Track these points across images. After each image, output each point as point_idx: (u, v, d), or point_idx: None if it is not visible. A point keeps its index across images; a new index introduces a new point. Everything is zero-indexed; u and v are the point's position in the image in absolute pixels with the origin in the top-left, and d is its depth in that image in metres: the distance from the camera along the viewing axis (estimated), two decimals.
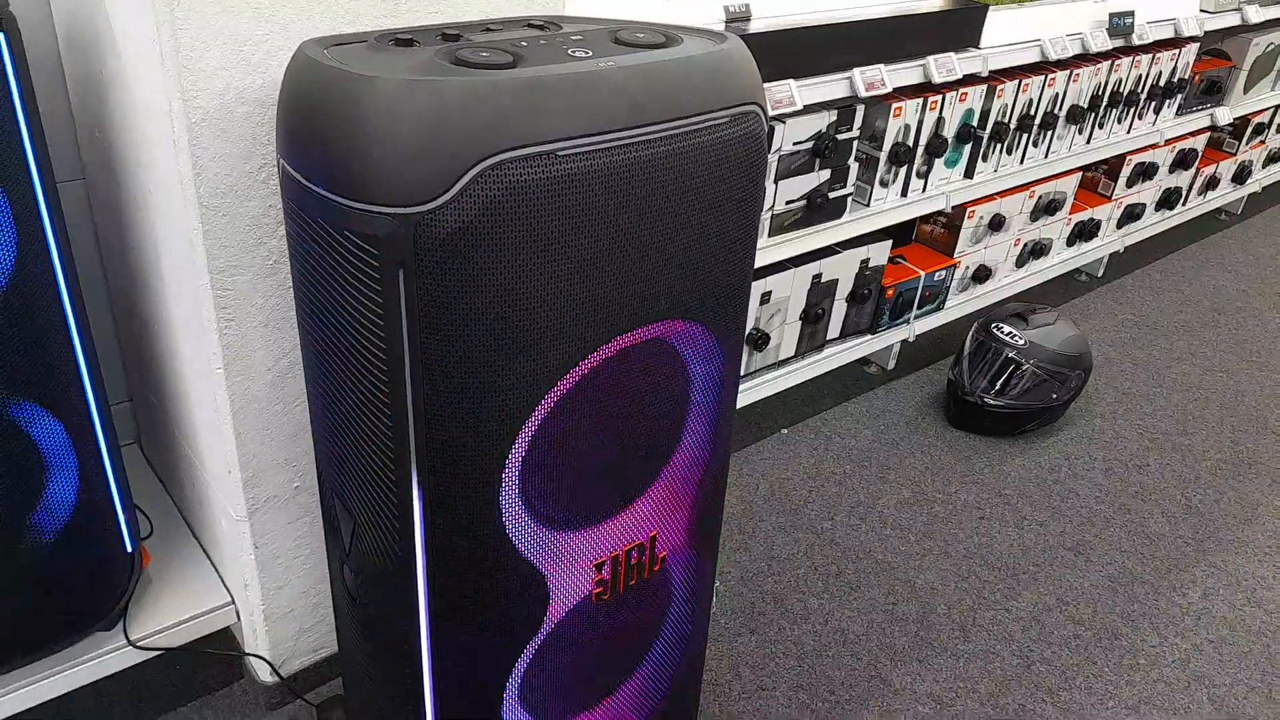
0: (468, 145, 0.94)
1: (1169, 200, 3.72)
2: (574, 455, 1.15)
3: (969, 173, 2.76)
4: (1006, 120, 2.74)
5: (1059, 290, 3.50)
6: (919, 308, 2.87)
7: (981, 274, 3.03)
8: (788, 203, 2.32)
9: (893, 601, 2.13)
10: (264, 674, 1.75)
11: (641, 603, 1.36)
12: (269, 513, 1.58)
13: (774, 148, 2.21)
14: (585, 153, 0.98)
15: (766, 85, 2.04)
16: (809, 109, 2.21)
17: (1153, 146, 3.41)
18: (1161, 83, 3.22)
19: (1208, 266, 3.84)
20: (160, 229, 1.44)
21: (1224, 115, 3.62)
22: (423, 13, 1.34)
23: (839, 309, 2.64)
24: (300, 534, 1.63)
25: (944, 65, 2.42)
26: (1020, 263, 3.21)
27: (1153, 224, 3.75)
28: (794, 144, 2.25)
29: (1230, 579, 2.26)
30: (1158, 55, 3.13)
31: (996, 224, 2.96)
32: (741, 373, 2.47)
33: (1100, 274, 3.66)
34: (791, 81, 2.12)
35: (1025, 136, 2.85)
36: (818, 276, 2.51)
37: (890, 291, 2.73)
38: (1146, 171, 3.49)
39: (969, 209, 2.84)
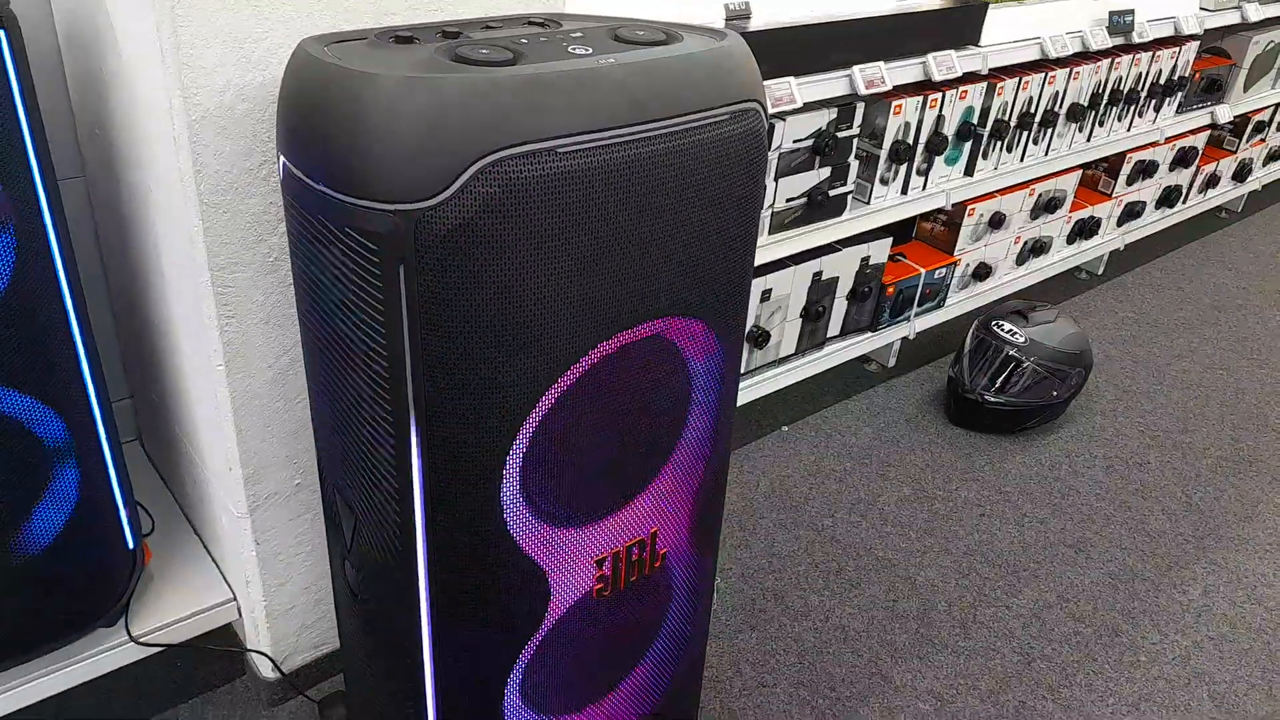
0: (468, 142, 0.94)
1: (1169, 198, 3.72)
2: (575, 452, 1.15)
3: (969, 170, 2.76)
4: (1007, 118, 2.74)
5: (1059, 288, 3.50)
6: (919, 305, 2.87)
7: (982, 272, 3.03)
8: (788, 200, 2.32)
9: (893, 598, 2.13)
10: (265, 670, 1.75)
11: (642, 599, 1.37)
12: (270, 509, 1.58)
13: (774, 145, 2.21)
14: (585, 150, 0.98)
15: (766, 83, 2.05)
16: (809, 107, 2.22)
17: (1153, 144, 3.41)
18: (1162, 81, 3.22)
19: (1208, 264, 3.84)
20: (161, 226, 1.45)
21: (1224, 113, 3.62)
22: (423, 10, 1.35)
23: (839, 306, 2.64)
24: (301, 530, 1.64)
25: (944, 63, 2.42)
26: (1020, 260, 3.21)
27: (1153, 222, 3.75)
28: (794, 142, 2.25)
29: (1231, 576, 2.26)
30: (1158, 53, 3.13)
31: (997, 222, 2.96)
32: (742, 370, 2.47)
33: (1100, 272, 3.66)
34: (791, 79, 2.12)
35: (1025, 134, 2.85)
36: (818, 274, 2.51)
37: (890, 289, 2.73)
38: (1147, 169, 3.49)
39: (969, 207, 2.84)
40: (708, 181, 1.10)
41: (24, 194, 1.26)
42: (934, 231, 2.96)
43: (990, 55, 2.55)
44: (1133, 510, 2.46)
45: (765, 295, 2.40)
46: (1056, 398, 2.69)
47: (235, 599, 1.72)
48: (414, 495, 1.11)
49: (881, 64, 2.29)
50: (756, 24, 2.06)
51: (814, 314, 2.56)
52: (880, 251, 2.63)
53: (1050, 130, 2.92)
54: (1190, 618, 2.14)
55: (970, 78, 2.56)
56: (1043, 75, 2.76)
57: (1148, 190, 3.60)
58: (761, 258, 2.29)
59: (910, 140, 2.52)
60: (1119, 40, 2.92)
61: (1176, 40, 3.18)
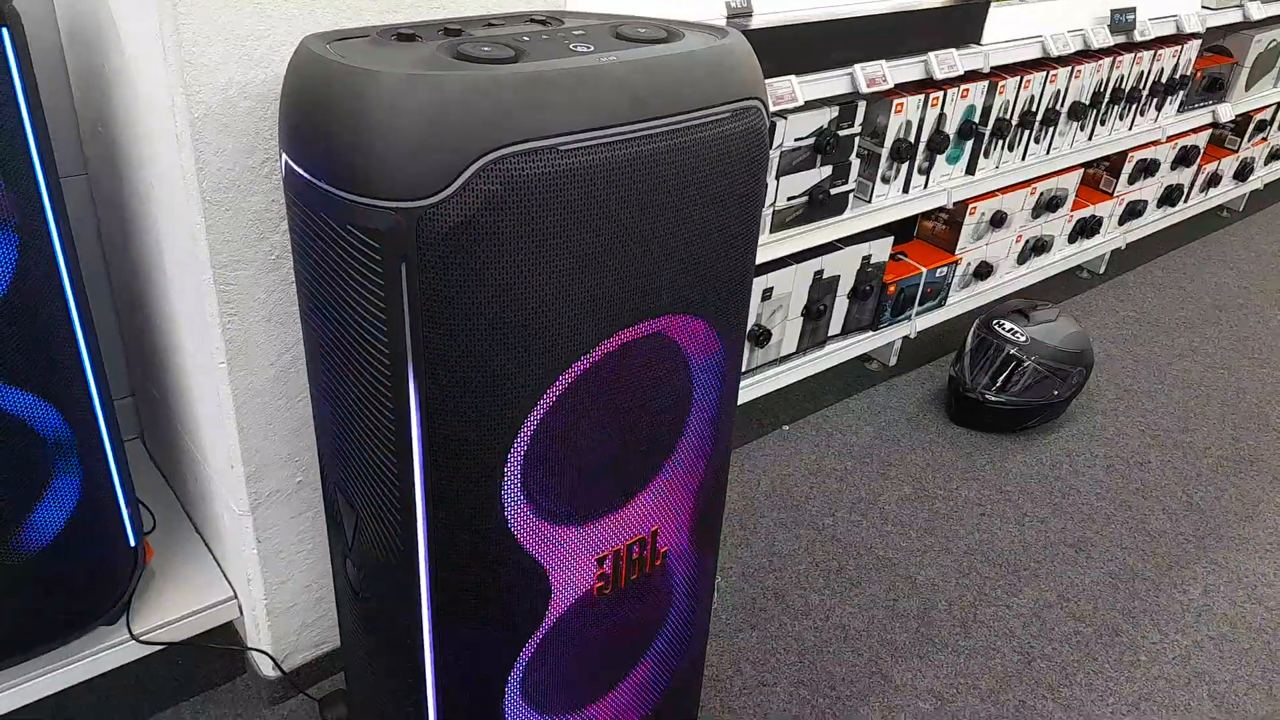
0: (469, 140, 0.94)
1: (1171, 197, 3.72)
2: (576, 450, 1.15)
3: (970, 169, 2.76)
4: (1008, 116, 2.74)
5: (1060, 287, 3.50)
6: (920, 304, 2.87)
7: (983, 270, 3.03)
8: (789, 199, 2.32)
9: (894, 598, 2.13)
10: (266, 669, 1.76)
11: (643, 598, 1.37)
12: (271, 507, 1.58)
13: (775, 144, 2.21)
14: (587, 147, 0.98)
15: (768, 81, 2.05)
16: (810, 105, 2.22)
17: (1154, 143, 3.41)
18: (1163, 79, 3.22)
19: (1209, 263, 3.84)
20: (163, 224, 1.45)
21: (1226, 112, 3.62)
22: (425, 7, 1.35)
23: (840, 305, 2.64)
24: (303, 529, 1.64)
25: (945, 61, 2.42)
26: (1022, 259, 3.21)
27: (1154, 221, 3.75)
28: (795, 140, 2.25)
29: (1231, 576, 2.26)
30: (1159, 52, 3.13)
31: (998, 220, 2.96)
32: (743, 369, 2.47)
33: (1102, 271, 3.66)
34: (793, 77, 2.12)
35: (1027, 133, 2.85)
36: (819, 273, 2.51)
37: (892, 288, 2.73)
38: (1148, 168, 3.48)
39: (970, 205, 2.84)
40: (709, 179, 1.10)
41: (27, 192, 1.27)
42: (935, 230, 2.96)
43: (992, 54, 2.55)
44: (1133, 509, 2.46)
45: (766, 294, 2.40)
46: (1057, 397, 2.69)
47: (236, 597, 1.72)
48: (415, 493, 1.11)
49: (883, 62, 2.29)
50: (758, 22, 2.06)
51: (815, 313, 2.56)
52: (881, 250, 2.63)
53: (1052, 129, 2.92)
54: (1191, 617, 2.14)
55: (972, 76, 2.56)
56: (1044, 74, 2.76)
57: (1149, 189, 3.60)
58: (763, 256, 2.29)
59: (912, 139, 2.52)
60: (1121, 39, 2.92)
61: (1178, 39, 3.18)
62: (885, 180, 2.54)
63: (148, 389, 1.85)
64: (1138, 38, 2.98)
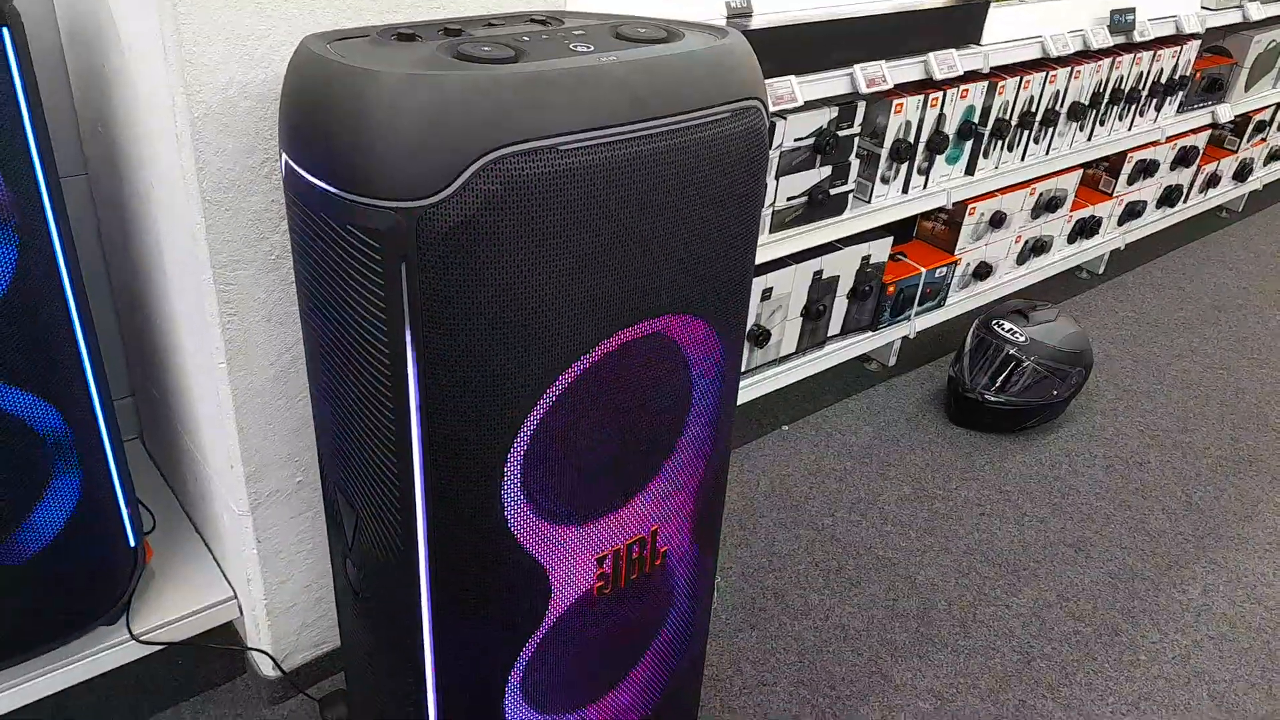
0: (469, 140, 0.94)
1: (1170, 197, 3.72)
2: (575, 449, 1.15)
3: (970, 169, 2.76)
4: (1007, 117, 2.74)
5: (1060, 287, 3.51)
6: (920, 304, 2.87)
7: (982, 271, 3.03)
8: (789, 199, 2.32)
9: (893, 598, 2.13)
10: (266, 669, 1.76)
11: (642, 597, 1.37)
12: (271, 507, 1.58)
13: (775, 144, 2.21)
14: (586, 147, 0.99)
15: (768, 81, 2.05)
16: (810, 105, 2.22)
17: (1154, 144, 3.41)
18: (1163, 80, 3.22)
19: (1209, 264, 3.84)
20: (163, 224, 1.45)
21: (1225, 112, 3.62)
22: (424, 7, 1.35)
23: (840, 305, 2.64)
24: (303, 529, 1.64)
25: (945, 62, 2.42)
26: (1021, 260, 3.21)
27: (1154, 221, 3.75)
28: (795, 140, 2.25)
29: (1230, 575, 2.26)
30: (1159, 52, 3.13)
31: (997, 221, 2.96)
32: (742, 369, 2.48)
33: (1101, 271, 3.66)
34: (793, 78, 2.12)
35: (1026, 133, 2.85)
36: (819, 273, 2.51)
37: (891, 288, 2.73)
38: (1148, 169, 3.49)
39: (970, 206, 2.84)
40: (709, 179, 1.10)
41: (27, 192, 1.27)
42: (935, 230, 2.96)
43: (991, 54, 2.55)
44: (1133, 509, 2.46)
45: (766, 294, 2.40)
46: (1057, 397, 2.69)
47: (236, 597, 1.72)
48: (415, 492, 1.11)
49: (883, 63, 2.29)
50: (758, 22, 2.06)
51: (814, 313, 2.56)
52: (881, 250, 2.63)
53: (1051, 129, 2.92)
54: (1190, 617, 2.14)
55: (971, 76, 2.56)
56: (1044, 74, 2.76)
57: (1148, 189, 3.60)
58: (762, 256, 2.29)
59: (911, 139, 2.52)
60: (1120, 39, 2.93)
61: (1178, 39, 3.18)
62: (885, 180, 2.54)
63: (147, 389, 1.85)
64: (1137, 38, 2.98)
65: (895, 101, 2.42)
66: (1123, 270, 3.70)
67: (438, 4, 1.36)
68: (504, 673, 1.27)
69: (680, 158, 1.06)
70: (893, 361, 2.97)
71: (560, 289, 1.03)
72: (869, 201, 2.54)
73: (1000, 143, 2.78)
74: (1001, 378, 2.66)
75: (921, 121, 2.52)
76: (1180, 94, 3.36)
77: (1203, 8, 3.23)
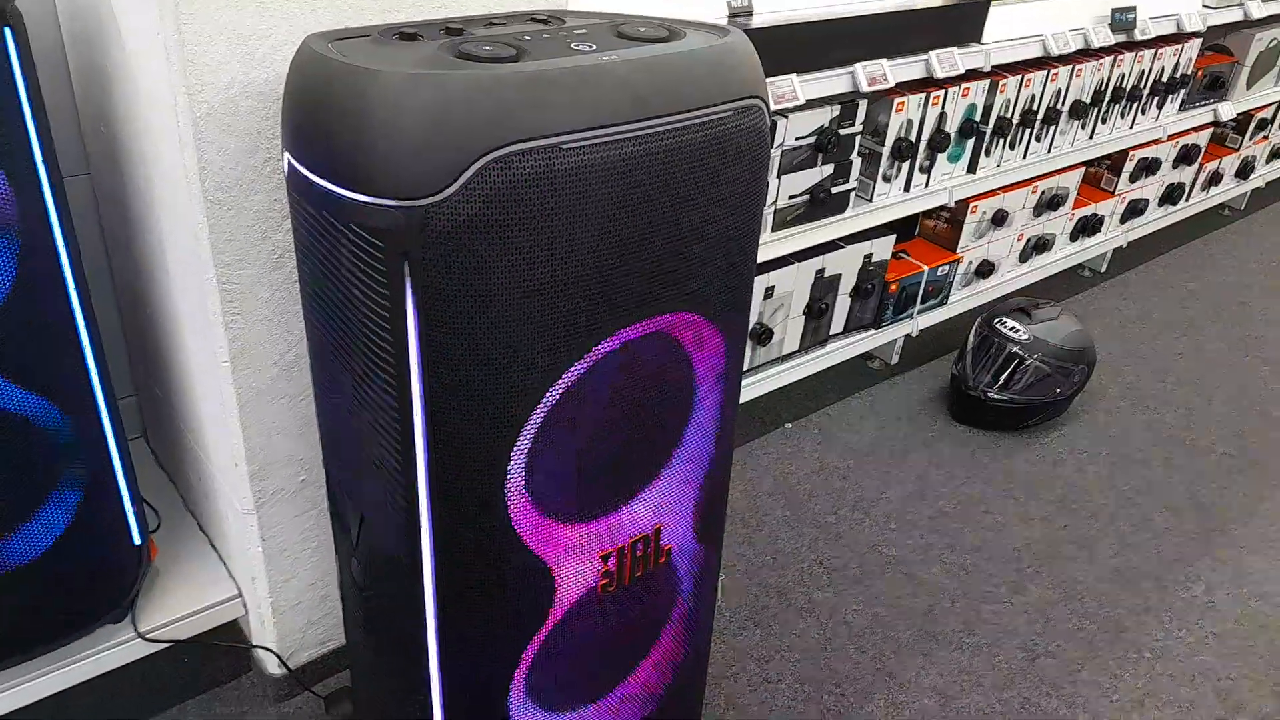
0: (471, 138, 0.94)
1: (1172, 195, 3.72)
2: (578, 447, 1.15)
3: (972, 168, 2.76)
4: (1009, 115, 2.74)
5: (1062, 285, 3.50)
6: (922, 303, 2.87)
7: (985, 269, 3.03)
8: (791, 198, 2.33)
9: (897, 595, 2.13)
10: (271, 666, 1.76)
11: (646, 595, 1.37)
12: (276, 506, 1.58)
13: (777, 143, 2.22)
14: (588, 146, 0.99)
15: (769, 80, 2.05)
16: (811, 104, 2.22)
17: (1155, 142, 3.40)
18: (1164, 78, 3.22)
19: (1211, 262, 3.84)
20: (165, 223, 1.45)
21: (1227, 110, 3.62)
22: (426, 7, 1.35)
23: (842, 304, 2.64)
24: (307, 527, 1.64)
25: (946, 60, 2.42)
26: (1023, 258, 3.21)
27: (1156, 219, 3.75)
28: (796, 139, 2.25)
29: (1234, 573, 2.26)
30: (1160, 50, 3.13)
31: (999, 219, 2.96)
32: (745, 367, 2.48)
33: (1103, 269, 3.66)
34: (794, 76, 2.12)
35: (1028, 131, 2.85)
36: (821, 271, 2.51)
37: (893, 286, 2.73)
38: (1149, 167, 3.48)
39: (972, 204, 2.84)
40: (711, 178, 1.10)
41: (30, 192, 1.27)
42: (937, 229, 2.96)
43: (992, 52, 2.55)
44: (1136, 507, 2.46)
45: (768, 292, 2.40)
46: (1059, 395, 2.69)
47: (241, 595, 1.73)
48: (419, 491, 1.11)
49: (884, 61, 2.29)
50: (759, 20, 2.07)
51: (817, 311, 2.56)
52: (883, 249, 2.63)
53: (1053, 127, 2.92)
54: (1194, 614, 2.14)
55: (973, 75, 2.56)
56: (1045, 72, 2.76)
57: (1150, 187, 3.60)
58: (764, 255, 2.29)
59: (913, 137, 2.52)
60: (1121, 37, 2.92)
61: (1179, 37, 3.18)
62: (886, 179, 2.54)
63: (151, 388, 1.86)
64: (1138, 36, 2.98)
65: (897, 100, 2.42)
66: (1125, 268, 3.70)
67: (439, 3, 1.36)
68: (508, 670, 1.27)
69: (682, 156, 1.06)
70: (895, 360, 2.97)
71: (562, 287, 1.03)
72: (871, 200, 2.54)
73: (1002, 141, 2.78)
74: (1004, 376, 2.66)
75: (923, 120, 2.52)
76: (1182, 92, 3.36)
77: (1204, 6, 3.23)
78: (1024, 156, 2.90)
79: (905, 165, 2.55)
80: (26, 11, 1.23)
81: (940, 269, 2.85)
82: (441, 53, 1.02)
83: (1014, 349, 2.68)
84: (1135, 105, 3.19)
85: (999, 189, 2.89)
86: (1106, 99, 3.04)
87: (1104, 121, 3.11)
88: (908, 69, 2.37)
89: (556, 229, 1.00)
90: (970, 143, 2.70)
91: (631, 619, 1.37)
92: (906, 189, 2.61)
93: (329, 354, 1.16)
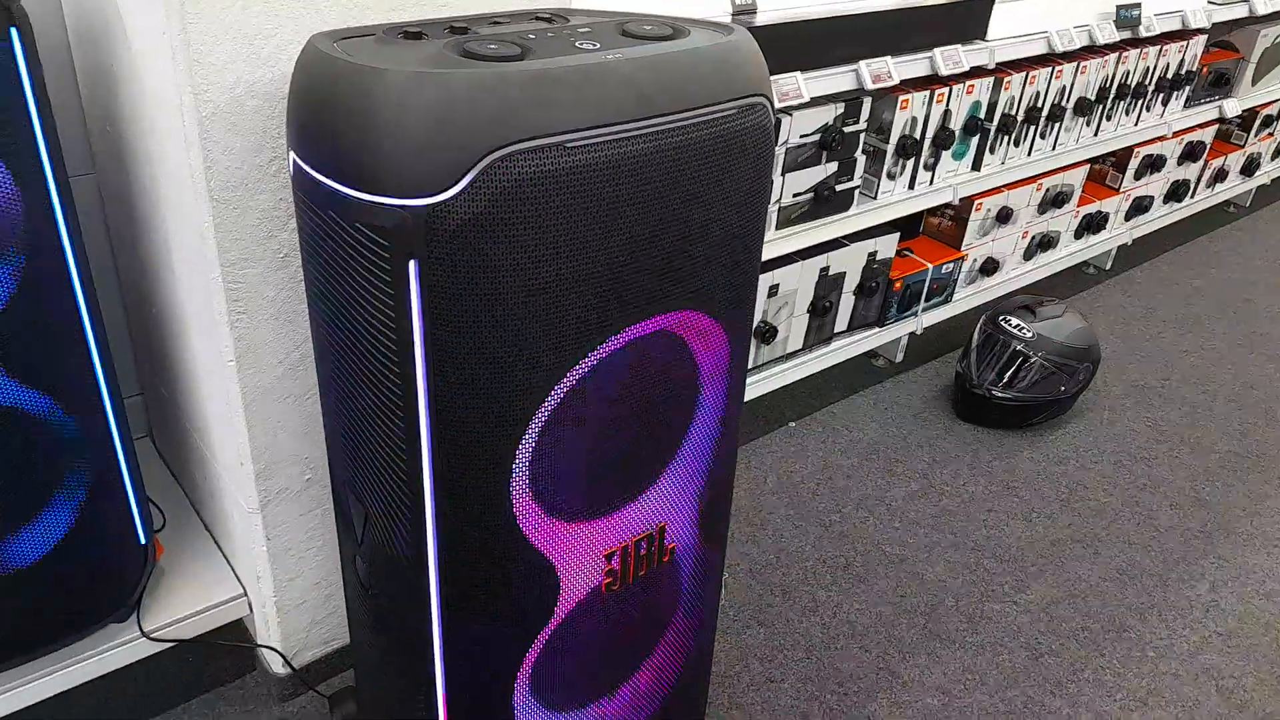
0: (477, 137, 0.94)
1: (1177, 192, 3.71)
2: (583, 446, 1.15)
3: (976, 165, 2.76)
4: (1014, 113, 2.74)
5: (1067, 283, 3.50)
6: (926, 300, 2.87)
7: (989, 266, 3.03)
8: (795, 195, 2.32)
9: (901, 594, 2.13)
10: (276, 666, 1.76)
11: (650, 594, 1.37)
12: (281, 505, 1.59)
13: (781, 140, 2.21)
14: (593, 144, 0.99)
15: (773, 78, 2.04)
16: (816, 101, 2.22)
17: (1160, 139, 3.40)
18: (1169, 75, 3.21)
19: (1216, 259, 3.83)
20: (171, 222, 1.45)
21: (1232, 107, 3.61)
22: (431, 6, 1.35)
23: (846, 302, 2.64)
24: (312, 526, 1.64)
25: (950, 58, 2.42)
26: (1028, 255, 3.21)
27: (1161, 216, 3.74)
28: (801, 137, 2.25)
29: (1239, 572, 2.26)
30: (1165, 47, 3.12)
31: (1004, 216, 2.95)
32: (749, 365, 2.48)
33: (1108, 266, 3.65)
34: (798, 74, 2.12)
35: (1032, 129, 2.85)
36: (825, 269, 2.51)
37: (898, 284, 2.73)
38: (1154, 164, 3.48)
39: (976, 201, 2.84)
40: (715, 176, 1.10)
41: (37, 192, 1.27)
42: (941, 227, 2.96)
43: (997, 50, 2.54)
44: (1140, 505, 2.45)
45: (773, 290, 2.40)
46: (1064, 393, 2.69)
47: (246, 594, 1.73)
48: (424, 489, 1.12)
49: (888, 59, 2.29)
50: (763, 18, 2.06)
51: (821, 309, 2.56)
52: (887, 247, 2.63)
53: (1057, 125, 2.92)
54: (1198, 613, 2.14)
55: (977, 72, 2.56)
56: (1050, 70, 2.76)
57: (1155, 185, 3.59)
58: (769, 253, 2.29)
59: (917, 135, 2.52)
60: (1126, 34, 2.92)
61: (1184, 34, 3.17)
62: (891, 177, 2.54)
63: (156, 387, 1.86)
64: (1143, 33, 2.97)
65: (901, 97, 2.42)
66: (1130, 265, 3.69)
67: (443, 2, 1.36)
68: (513, 669, 1.27)
69: (687, 154, 1.06)
70: (900, 358, 2.97)
71: (568, 286, 1.03)
72: (875, 198, 2.54)
73: (1006, 138, 2.77)
74: (1009, 373, 2.66)
75: (927, 117, 2.51)
76: (1187, 89, 3.35)
77: (1209, 2, 3.22)
78: (1029, 154, 2.90)
79: (910, 163, 2.55)
80: (32, 11, 1.23)
81: (945, 267, 2.85)
82: (446, 51, 1.02)
83: (1018, 347, 2.68)
84: (1140, 102, 3.19)
85: (1004, 186, 2.89)
86: (1111, 96, 3.03)
87: (1109, 118, 3.11)
88: (912, 66, 2.37)
89: (562, 227, 1.00)
90: (975, 140, 2.70)
91: (635, 618, 1.37)
92: (911, 186, 2.61)
93: (334, 353, 1.16)
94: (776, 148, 2.20)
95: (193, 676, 1.79)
